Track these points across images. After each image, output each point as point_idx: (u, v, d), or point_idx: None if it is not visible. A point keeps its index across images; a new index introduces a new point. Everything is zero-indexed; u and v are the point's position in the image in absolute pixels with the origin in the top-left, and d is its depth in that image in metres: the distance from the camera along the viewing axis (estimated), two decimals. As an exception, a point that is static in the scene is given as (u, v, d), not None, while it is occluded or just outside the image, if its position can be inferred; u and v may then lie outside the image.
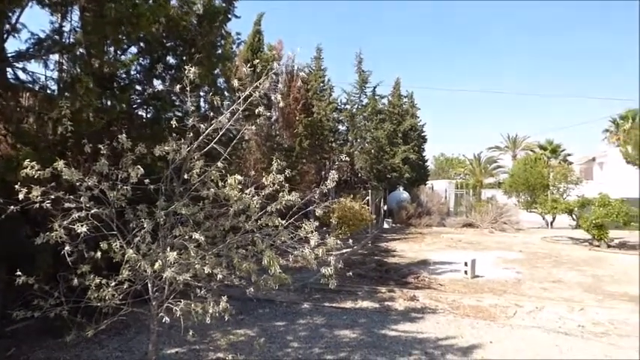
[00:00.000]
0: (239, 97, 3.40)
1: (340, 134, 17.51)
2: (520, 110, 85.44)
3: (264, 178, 3.31)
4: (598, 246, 12.92)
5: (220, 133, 3.32)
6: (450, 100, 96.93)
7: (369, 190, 15.65)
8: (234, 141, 3.54)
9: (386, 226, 18.71)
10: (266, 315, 5.81)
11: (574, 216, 15.00)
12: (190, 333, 3.08)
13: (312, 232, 3.05)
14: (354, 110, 17.44)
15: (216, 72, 7.26)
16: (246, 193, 3.31)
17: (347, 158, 5.51)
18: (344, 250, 11.21)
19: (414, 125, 22.51)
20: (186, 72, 3.14)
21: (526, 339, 4.92)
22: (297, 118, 13.20)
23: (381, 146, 17.58)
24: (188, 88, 3.14)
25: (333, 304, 6.35)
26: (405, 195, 20.94)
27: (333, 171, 3.57)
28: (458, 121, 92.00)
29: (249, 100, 3.32)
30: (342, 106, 17.56)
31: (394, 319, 5.67)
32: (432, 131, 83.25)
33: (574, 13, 69.26)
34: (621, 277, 8.63)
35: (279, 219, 3.20)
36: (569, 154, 42.96)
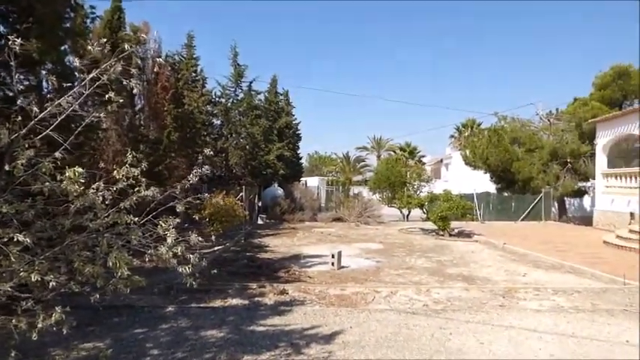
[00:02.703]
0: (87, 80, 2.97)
1: (214, 128, 16.89)
2: (385, 114, 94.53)
3: (115, 172, 2.95)
4: (442, 235, 14.96)
5: (60, 119, 2.85)
6: (324, 101, 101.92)
7: (244, 186, 15.45)
8: (79, 129, 3.06)
9: (260, 222, 18.75)
10: (123, 323, 5.26)
11: (424, 210, 17.10)
12: (12, 354, 2.57)
13: (168, 229, 2.82)
14: (229, 104, 17.01)
15: (63, 48, 6.28)
16: (93, 189, 2.92)
17: (212, 153, 5.32)
18: (216, 248, 10.88)
19: (290, 123, 23.01)
20: (9, 43, 2.59)
21: (380, 321, 5.43)
22: (165, 108, 12.26)
23: (257, 142, 17.52)
24: (13, 63, 2.60)
25: (201, 305, 6.09)
26: (280, 191, 21.28)
27: (197, 167, 3.38)
28: (331, 122, 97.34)
29: (97, 83, 2.92)
30: (217, 99, 16.98)
31: (263, 314, 5.69)
32: (308, 130, 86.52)
33: (430, 28, 79.19)
34: (458, 261, 10.15)
35: (132, 216, 2.89)
36: (423, 156, 49.06)
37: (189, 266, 2.88)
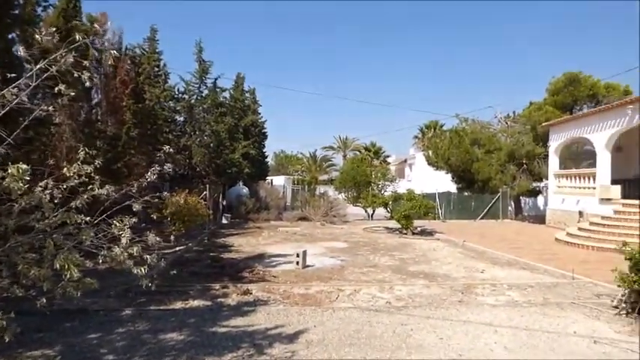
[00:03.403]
0: (35, 70, 2.79)
1: (177, 125, 16.40)
2: (351, 114, 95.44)
3: (65, 169, 2.79)
4: (406, 234, 15.28)
5: (2, 112, 2.66)
6: (291, 100, 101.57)
7: (208, 185, 15.12)
8: (25, 123, 2.87)
9: (224, 221, 18.43)
10: (75, 328, 5.00)
11: (389, 209, 17.44)
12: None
13: (123, 229, 2.70)
14: (193, 101, 16.58)
15: (11, 37, 5.89)
16: (40, 186, 2.75)
17: (172, 150, 5.16)
18: (177, 248, 10.59)
19: (255, 121, 22.76)
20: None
21: (344, 319, 5.47)
22: (124, 103, 11.77)
23: (221, 140, 17.19)
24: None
25: (161, 307, 5.89)
26: (245, 190, 21.03)
27: (156, 164, 3.26)
28: (298, 121, 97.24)
29: (46, 74, 2.75)
30: (180, 95, 16.49)
31: (226, 315, 5.58)
32: (275, 129, 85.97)
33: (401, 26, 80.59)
34: (420, 259, 10.40)
35: (83, 216, 2.74)
36: (387, 156, 49.94)
37: (146, 267, 2.76)
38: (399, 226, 15.97)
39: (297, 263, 8.91)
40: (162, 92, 14.80)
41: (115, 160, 11.02)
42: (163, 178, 16.08)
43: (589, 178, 15.75)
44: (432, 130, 43.29)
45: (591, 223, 13.49)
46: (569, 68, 23.36)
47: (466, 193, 24.18)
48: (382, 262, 9.89)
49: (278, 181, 29.69)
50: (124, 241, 2.68)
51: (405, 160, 42.99)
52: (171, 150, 4.60)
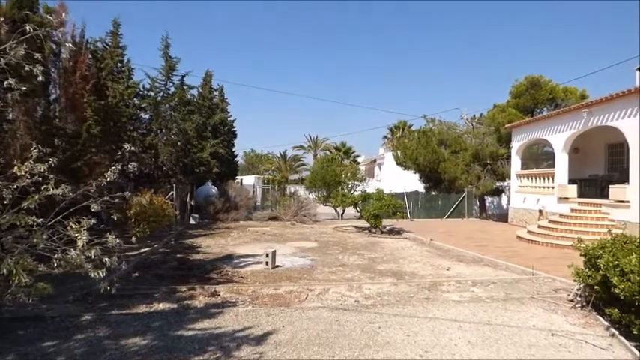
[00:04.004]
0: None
1: (142, 123, 15.86)
2: (322, 114, 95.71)
3: (16, 168, 2.63)
4: (375, 233, 15.47)
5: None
6: (261, 99, 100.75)
7: (175, 185, 14.73)
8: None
9: (192, 221, 18.03)
10: (30, 336, 4.73)
11: (358, 208, 17.57)
12: None
13: (80, 231, 2.58)
14: (159, 98, 16.09)
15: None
16: (-12, 186, 2.58)
17: (133, 148, 4.98)
18: (142, 250, 10.27)
19: (225, 120, 22.39)
20: None
21: (313, 318, 5.46)
22: (85, 99, 11.26)
23: (189, 139, 16.79)
24: None
25: (124, 311, 5.69)
26: (214, 190, 20.66)
27: (116, 163, 3.13)
28: (269, 120, 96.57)
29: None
30: (146, 92, 15.97)
31: (192, 318, 5.45)
32: (245, 128, 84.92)
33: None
34: (389, 257, 10.55)
35: (36, 217, 2.60)
36: (357, 156, 50.41)
37: (104, 270, 2.65)
38: (368, 225, 16.14)
39: (267, 263, 8.83)
40: (127, 89, 14.26)
41: (75, 159, 10.54)
42: (128, 177, 15.54)
43: (548, 178, 16.48)
44: (401, 130, 44.03)
45: (550, 221, 14.11)
46: (531, 71, 24.38)
47: (433, 193, 24.76)
48: (351, 261, 9.96)
49: (248, 180, 29.35)
50: (80, 243, 2.55)
51: (375, 160, 43.53)
52: (132, 148, 4.42)
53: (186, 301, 6.20)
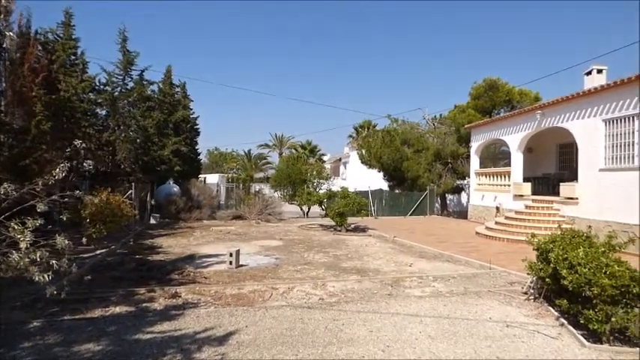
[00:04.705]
0: None
1: (98, 119, 15.11)
2: (288, 113, 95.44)
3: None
4: (340, 231, 15.57)
5: None
6: (226, 97, 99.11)
7: (134, 183, 14.18)
8: None
9: (153, 221, 17.45)
10: (-30, 345, 4.40)
11: (323, 206, 17.66)
12: None
13: (23, 232, 2.40)
14: (117, 93, 15.40)
15: None
16: None
17: (89, 145, 4.74)
18: (98, 252, 9.83)
19: (187, 117, 21.80)
20: None
21: (277, 317, 5.41)
22: (34, 93, 10.58)
23: (149, 136, 16.20)
24: None
25: (77, 316, 5.40)
26: (176, 189, 20.09)
27: (64, 160, 2.95)
28: (234, 118, 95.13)
29: None
30: (102, 87, 15.23)
31: (151, 321, 5.26)
32: (209, 126, 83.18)
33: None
34: (353, 255, 10.64)
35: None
36: (323, 154, 50.58)
37: (50, 274, 2.49)
38: (333, 223, 16.23)
39: (231, 263, 8.68)
40: (81, 82, 13.55)
41: (23, 156, 9.90)
42: (83, 175, 14.80)
43: (505, 177, 17.21)
44: (366, 129, 44.53)
45: (506, 218, 14.76)
46: (490, 74, 25.37)
47: (397, 191, 25.27)
48: (316, 259, 9.97)
49: (212, 179, 28.77)
50: (23, 245, 2.38)
51: (340, 159, 43.85)
52: (84, 145, 4.19)
53: (145, 304, 5.98)
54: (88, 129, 14.15)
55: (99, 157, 15.02)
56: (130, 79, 16.31)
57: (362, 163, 27.03)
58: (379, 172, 26.22)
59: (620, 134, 11.37)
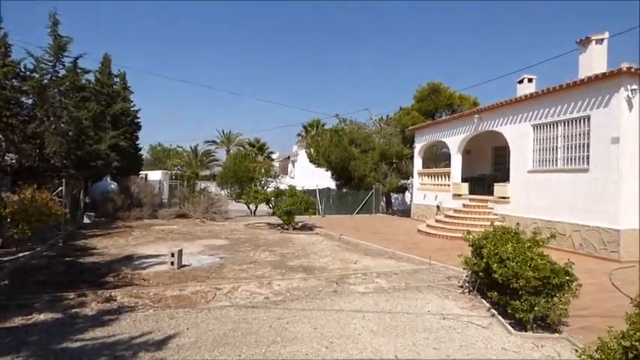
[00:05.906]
0: None
1: (24, 108, 13.80)
2: (236, 109, 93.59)
3: None
4: (287, 229, 15.52)
5: None
6: (172, 91, 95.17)
7: (64, 180, 13.15)
8: None
9: (87, 220, 16.33)
10: None
11: (271, 205, 17.49)
12: None
13: None
14: (46, 81, 14.15)
15: None
16: None
17: (11, 137, 4.29)
18: (21, 254, 9.03)
19: (127, 109, 20.61)
20: None
21: (219, 318, 5.27)
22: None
23: (83, 129, 15.07)
24: None
25: (-7, 325, 4.90)
26: (113, 186, 18.95)
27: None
28: (180, 113, 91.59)
29: None
30: (28, 73, 13.92)
31: (81, 328, 4.90)
32: (152, 120, 79.39)
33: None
34: (300, 253, 10.64)
35: None
36: (272, 152, 50.12)
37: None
38: (281, 222, 16.14)
39: (172, 263, 8.33)
40: (3, 67, 12.32)
41: None
42: (4, 171, 13.48)
43: (445, 177, 18.08)
44: (315, 128, 44.79)
45: (446, 216, 15.51)
46: (433, 78, 26.53)
47: (344, 190, 25.66)
48: (262, 257, 9.85)
49: (154, 176, 27.47)
50: None
51: (289, 157, 43.75)
52: (2, 137, 3.78)
53: (74, 310, 5.56)
54: (11, 119, 12.90)
55: (24, 150, 13.74)
56: (62, 67, 15.05)
57: (310, 162, 27.16)
58: (327, 171, 26.49)
59: (547, 139, 12.36)
